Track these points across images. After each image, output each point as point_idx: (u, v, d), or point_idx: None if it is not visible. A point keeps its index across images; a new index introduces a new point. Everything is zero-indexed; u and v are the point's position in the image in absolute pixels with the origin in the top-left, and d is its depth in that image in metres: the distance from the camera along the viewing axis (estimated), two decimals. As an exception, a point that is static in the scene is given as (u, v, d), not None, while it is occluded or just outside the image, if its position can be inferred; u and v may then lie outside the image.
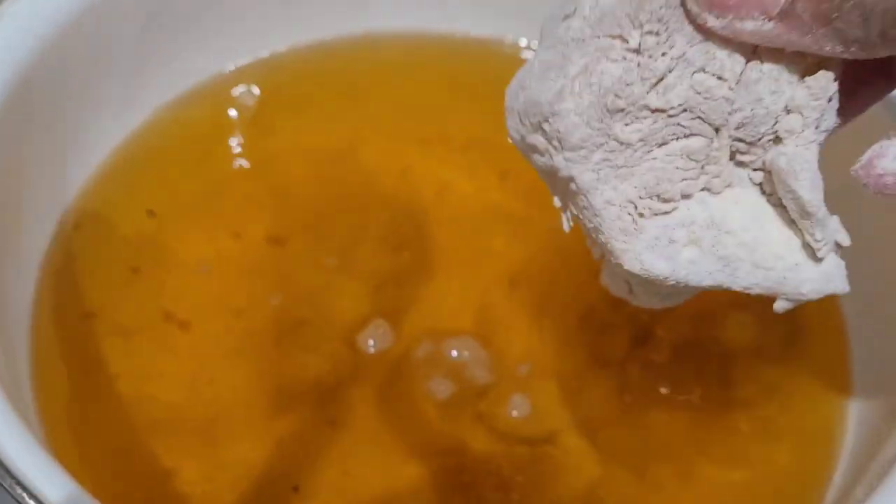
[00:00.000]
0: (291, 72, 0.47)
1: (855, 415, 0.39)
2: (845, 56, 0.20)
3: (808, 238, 0.23)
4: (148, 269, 0.41)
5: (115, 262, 0.41)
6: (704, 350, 0.40)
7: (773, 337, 0.40)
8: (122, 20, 0.41)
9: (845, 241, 0.23)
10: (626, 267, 0.22)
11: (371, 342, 0.39)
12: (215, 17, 0.45)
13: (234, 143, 0.46)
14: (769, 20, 0.20)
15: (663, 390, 0.39)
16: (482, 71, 0.47)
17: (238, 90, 0.46)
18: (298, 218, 0.43)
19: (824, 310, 0.41)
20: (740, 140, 0.22)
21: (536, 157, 0.23)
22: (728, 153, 0.22)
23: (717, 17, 0.20)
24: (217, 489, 0.36)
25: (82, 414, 0.37)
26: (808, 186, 0.22)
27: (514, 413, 0.37)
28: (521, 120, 0.23)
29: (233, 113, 0.46)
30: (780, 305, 0.23)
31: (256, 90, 0.46)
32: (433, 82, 0.48)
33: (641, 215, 0.22)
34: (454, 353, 0.39)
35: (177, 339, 0.39)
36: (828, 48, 0.19)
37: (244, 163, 0.45)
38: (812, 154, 0.22)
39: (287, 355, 0.39)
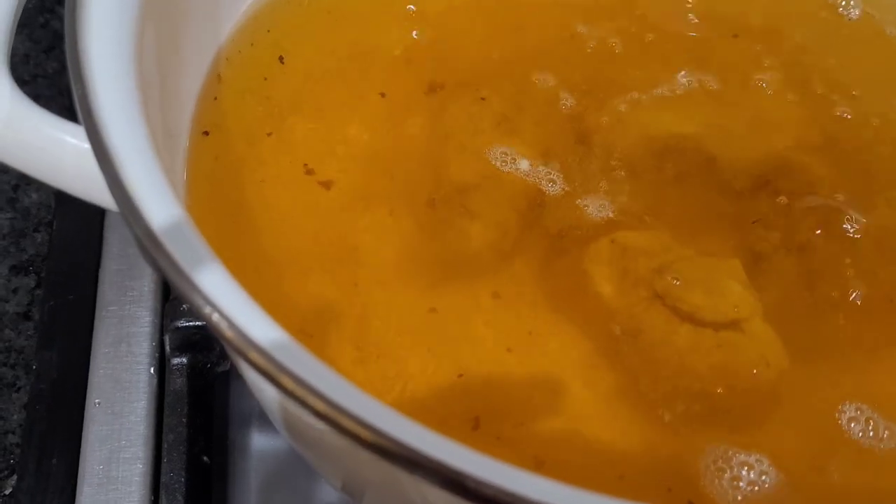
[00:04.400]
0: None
1: None
2: None
3: None
4: (288, 122, 0.38)
5: (258, 111, 0.38)
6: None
7: None
8: None
9: None
10: None
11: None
12: None
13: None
14: None
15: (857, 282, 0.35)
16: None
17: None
18: (457, 73, 0.40)
19: None
20: None
21: None
22: None
23: None
24: (365, 361, 0.34)
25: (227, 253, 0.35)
26: None
27: (697, 295, 0.34)
28: None
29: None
30: None
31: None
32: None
33: None
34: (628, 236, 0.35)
35: (318, 196, 0.37)
36: None
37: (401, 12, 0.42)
38: None
39: (444, 221, 0.36)
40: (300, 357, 0.23)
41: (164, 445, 0.39)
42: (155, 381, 0.42)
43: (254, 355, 0.22)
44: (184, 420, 0.39)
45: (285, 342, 0.23)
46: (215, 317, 0.22)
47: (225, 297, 0.23)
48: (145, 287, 0.44)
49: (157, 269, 0.23)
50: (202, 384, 0.41)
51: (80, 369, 0.42)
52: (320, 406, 0.22)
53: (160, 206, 0.24)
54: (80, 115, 0.25)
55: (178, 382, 0.41)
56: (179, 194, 0.34)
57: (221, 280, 0.24)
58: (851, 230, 0.37)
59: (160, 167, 0.25)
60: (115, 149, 0.24)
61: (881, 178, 0.39)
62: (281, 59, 0.40)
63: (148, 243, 0.23)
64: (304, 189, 0.37)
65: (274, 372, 0.22)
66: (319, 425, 0.22)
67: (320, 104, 0.39)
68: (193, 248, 0.24)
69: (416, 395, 0.33)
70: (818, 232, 0.37)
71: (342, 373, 0.33)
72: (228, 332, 0.22)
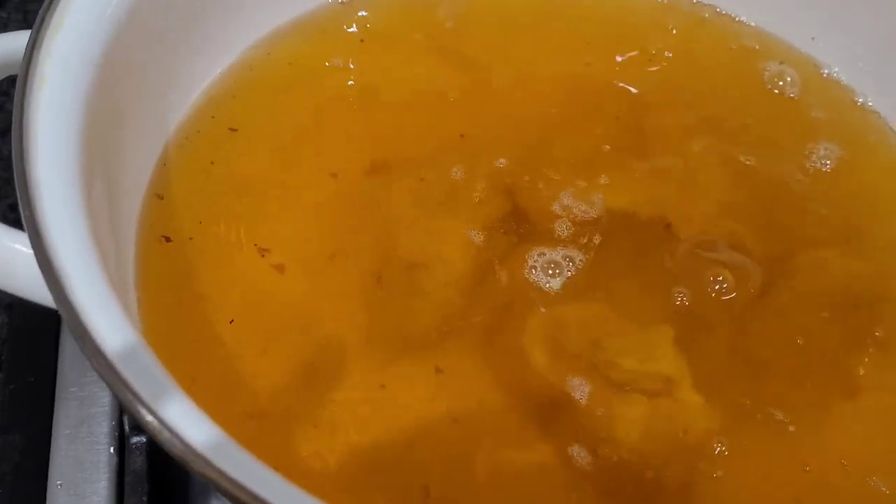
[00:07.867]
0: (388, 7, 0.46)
1: None
2: None
3: None
4: (242, 205, 0.40)
5: (209, 194, 0.40)
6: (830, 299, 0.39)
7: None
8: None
9: None
10: None
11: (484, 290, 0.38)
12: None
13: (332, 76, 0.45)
14: None
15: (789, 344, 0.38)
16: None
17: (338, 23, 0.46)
18: (401, 153, 0.42)
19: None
20: None
21: None
22: None
23: None
24: (318, 439, 0.35)
25: (181, 347, 0.36)
26: None
27: (629, 363, 0.36)
28: None
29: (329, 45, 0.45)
30: None
31: (354, 27, 0.46)
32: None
33: None
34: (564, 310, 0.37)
35: (272, 279, 0.38)
36: None
37: (342, 94, 0.44)
38: None
39: (392, 300, 0.38)
40: (239, 459, 0.24)
41: (125, 526, 0.40)
42: (115, 460, 0.42)
43: (193, 461, 0.23)
44: (144, 499, 0.40)
45: (224, 444, 0.24)
46: (159, 429, 0.24)
47: (163, 404, 0.24)
48: (104, 367, 0.45)
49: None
50: (162, 461, 0.42)
51: (42, 451, 0.43)
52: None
53: (110, 328, 0.25)
54: (28, 233, 0.26)
55: (137, 461, 0.42)
56: (130, 290, 0.36)
57: (162, 385, 0.25)
58: (782, 293, 0.39)
59: (108, 283, 0.27)
60: (63, 268, 0.25)
61: (804, 237, 0.42)
62: (233, 129, 0.42)
63: (94, 361, 0.24)
64: (257, 272, 0.38)
65: (214, 477, 0.23)
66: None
67: (266, 185, 0.41)
68: (143, 365, 0.25)
69: (369, 468, 0.34)
70: (750, 295, 0.39)
71: (295, 451, 0.35)
72: (163, 435, 0.23)
